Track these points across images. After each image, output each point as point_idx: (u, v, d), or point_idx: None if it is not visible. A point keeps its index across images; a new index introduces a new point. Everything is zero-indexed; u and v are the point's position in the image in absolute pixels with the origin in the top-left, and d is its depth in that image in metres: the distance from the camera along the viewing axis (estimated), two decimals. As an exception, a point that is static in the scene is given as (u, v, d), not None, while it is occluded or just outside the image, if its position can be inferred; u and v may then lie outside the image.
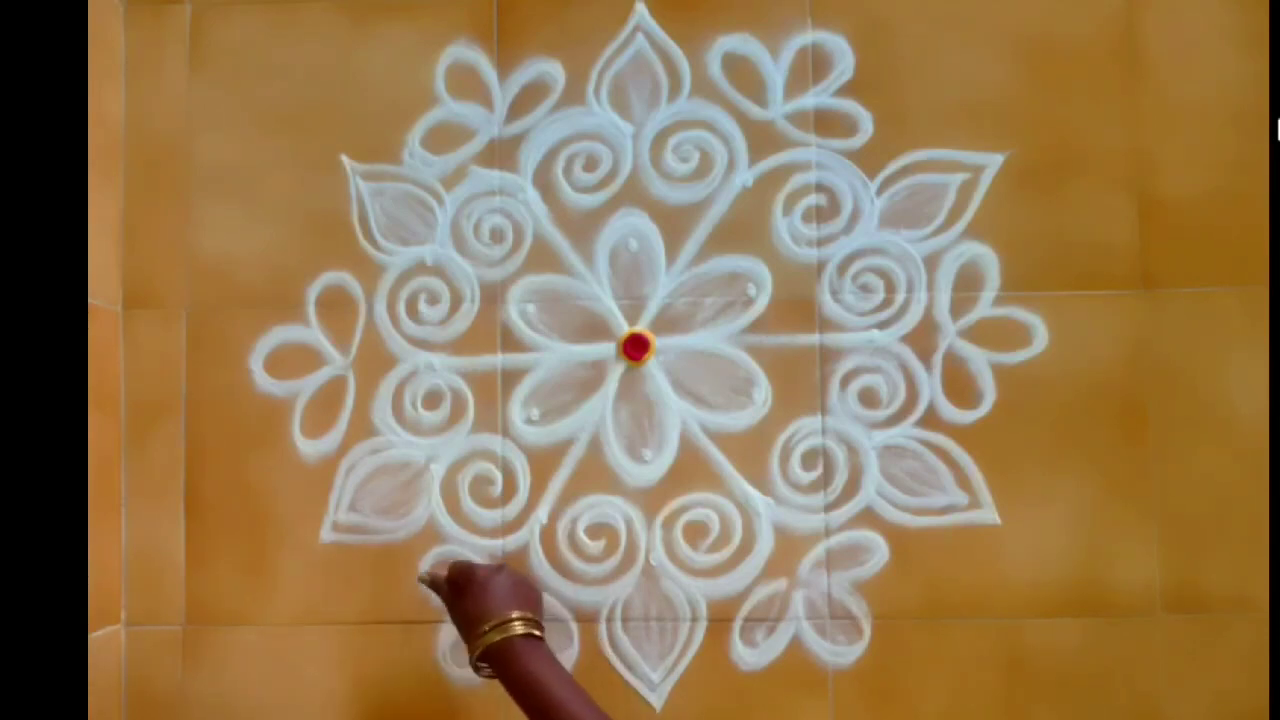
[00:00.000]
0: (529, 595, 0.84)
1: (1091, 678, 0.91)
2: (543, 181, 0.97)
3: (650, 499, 0.95)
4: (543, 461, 0.95)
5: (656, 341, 0.96)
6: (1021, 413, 0.93)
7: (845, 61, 0.96)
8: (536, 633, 0.80)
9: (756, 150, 0.96)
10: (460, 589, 0.83)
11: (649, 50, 0.97)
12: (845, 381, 0.94)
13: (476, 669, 0.81)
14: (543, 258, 0.96)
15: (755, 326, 0.95)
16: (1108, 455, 0.93)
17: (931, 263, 0.95)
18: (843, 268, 0.95)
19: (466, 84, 0.97)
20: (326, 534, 0.95)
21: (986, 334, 0.94)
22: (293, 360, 0.96)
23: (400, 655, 0.94)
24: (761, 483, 0.94)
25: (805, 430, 0.94)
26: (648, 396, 0.95)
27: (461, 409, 0.96)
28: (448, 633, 0.94)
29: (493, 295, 0.96)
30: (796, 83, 0.96)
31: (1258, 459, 0.92)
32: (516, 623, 0.79)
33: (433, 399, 0.96)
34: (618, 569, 0.94)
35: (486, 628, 0.79)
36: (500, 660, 0.78)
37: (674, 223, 0.96)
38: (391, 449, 0.96)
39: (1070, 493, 0.93)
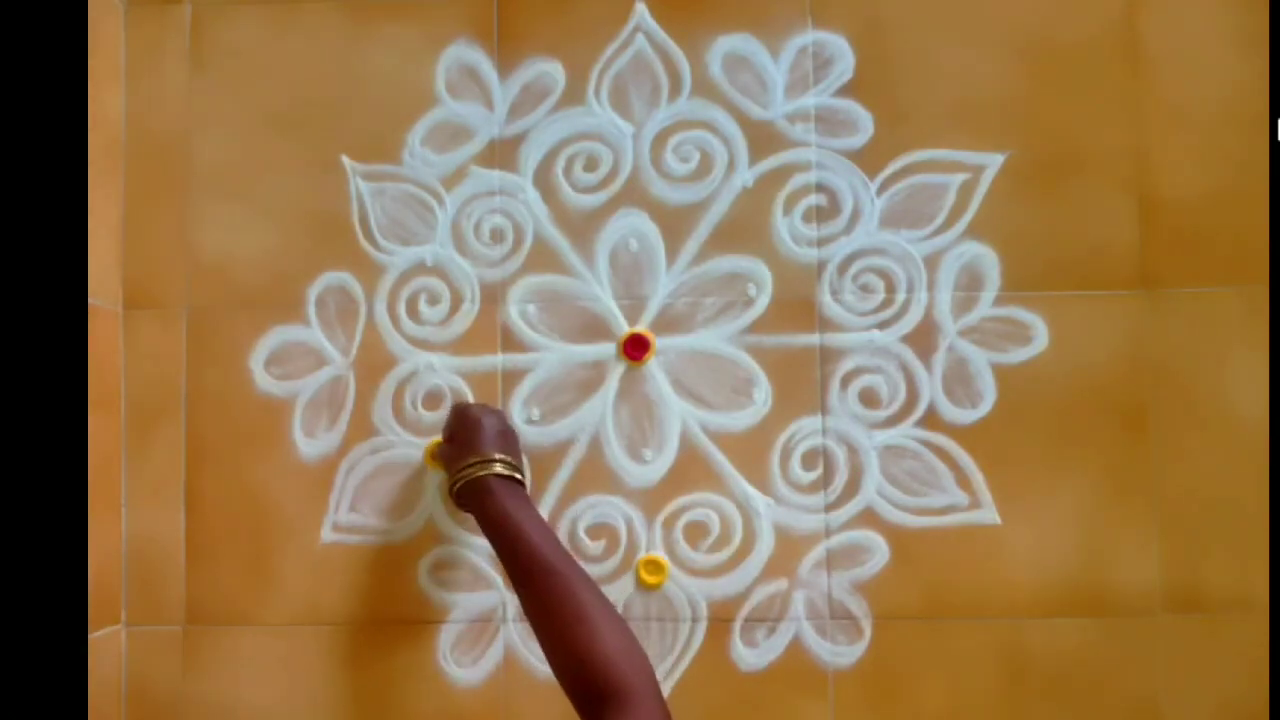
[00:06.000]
0: (512, 442, 0.88)
1: (1091, 678, 0.91)
2: (543, 182, 0.97)
3: (650, 499, 0.95)
4: (543, 461, 0.95)
5: (657, 341, 0.96)
6: (1021, 413, 0.93)
7: (845, 61, 0.96)
8: (518, 476, 0.84)
9: (757, 150, 0.96)
10: (453, 425, 0.88)
11: (649, 50, 0.97)
12: (845, 381, 0.94)
13: (456, 501, 0.85)
14: (543, 258, 0.96)
15: (755, 326, 0.95)
16: (1108, 455, 0.93)
17: (932, 263, 0.95)
18: (843, 268, 0.95)
19: (466, 84, 0.97)
20: (326, 534, 0.95)
21: (986, 334, 0.94)
22: (293, 360, 0.96)
23: (400, 655, 0.94)
24: (762, 483, 0.94)
25: (805, 430, 0.94)
26: (648, 396, 0.95)
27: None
28: (448, 633, 0.94)
29: (493, 295, 0.96)
30: (796, 83, 0.96)
31: (1258, 459, 0.92)
32: (498, 464, 0.83)
33: (433, 399, 0.96)
34: (618, 569, 0.94)
35: (470, 461, 0.83)
36: (477, 496, 0.82)
37: (674, 223, 0.96)
38: (392, 449, 0.96)
39: (1070, 493, 0.93)
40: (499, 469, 0.82)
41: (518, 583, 0.79)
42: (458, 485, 0.83)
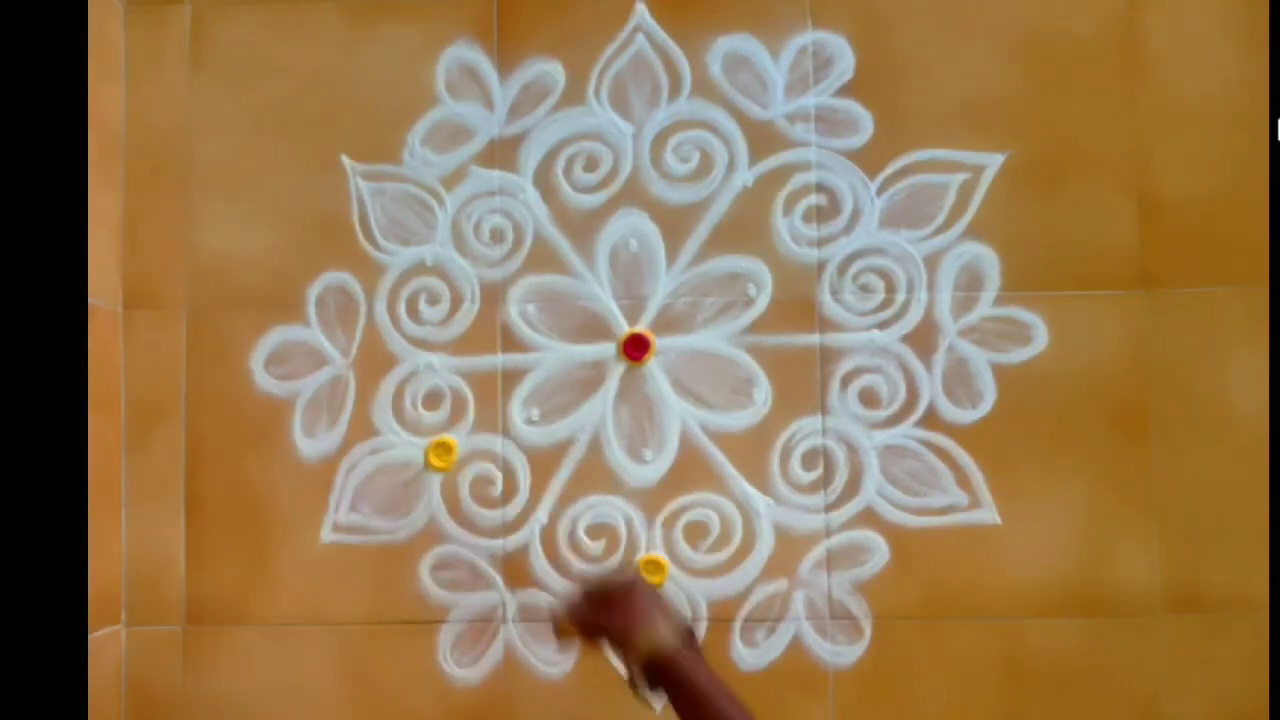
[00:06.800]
0: (665, 603, 0.80)
1: (1091, 678, 0.91)
2: (543, 182, 0.97)
3: (650, 499, 0.95)
4: (543, 461, 0.95)
5: (657, 341, 0.96)
6: (1021, 413, 0.93)
7: (845, 61, 0.96)
8: (690, 633, 0.78)
9: (756, 150, 0.96)
10: (602, 602, 0.79)
11: (649, 50, 0.97)
12: (845, 381, 0.94)
13: (635, 682, 0.76)
14: (543, 258, 0.96)
15: (755, 326, 0.95)
16: (1108, 455, 0.93)
17: (932, 263, 0.95)
18: (843, 268, 0.95)
19: (466, 84, 0.97)
20: (326, 534, 0.95)
21: (986, 334, 0.94)
22: (293, 360, 0.96)
23: (400, 655, 0.94)
24: (762, 483, 0.94)
25: (805, 430, 0.94)
26: (648, 396, 0.95)
27: (461, 409, 0.96)
28: (448, 633, 0.94)
29: (493, 295, 0.96)
30: (796, 83, 0.96)
31: (1258, 459, 0.92)
32: (671, 636, 0.76)
33: (433, 399, 0.96)
34: (618, 569, 0.94)
35: (647, 641, 0.75)
36: (665, 673, 0.75)
37: (674, 223, 0.96)
38: (391, 449, 0.96)
39: (1070, 493, 0.93)
40: (670, 639, 0.75)
41: None
42: (641, 672, 0.75)
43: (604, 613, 0.79)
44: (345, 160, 0.97)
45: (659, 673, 0.76)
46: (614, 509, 0.95)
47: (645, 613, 0.77)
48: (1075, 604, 0.92)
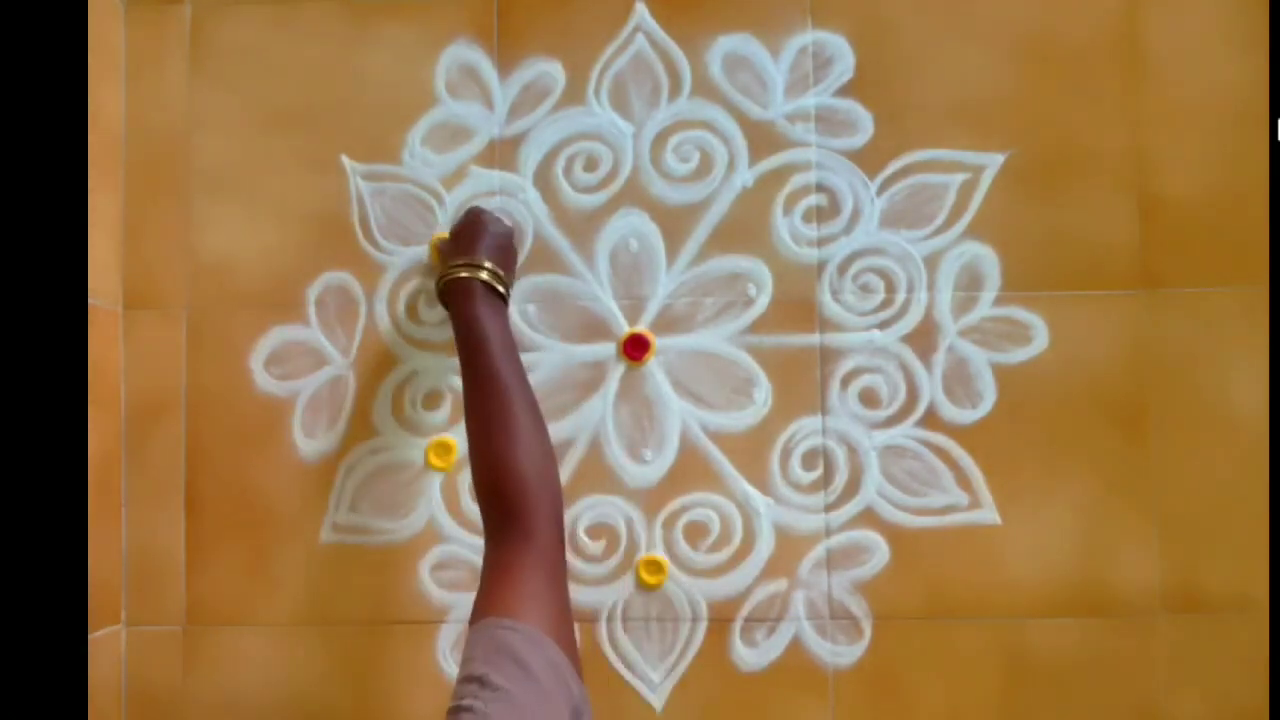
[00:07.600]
0: (509, 257, 0.91)
1: (1091, 678, 0.91)
2: (543, 182, 0.97)
3: (650, 499, 0.95)
4: (543, 461, 0.95)
5: (657, 341, 0.96)
6: (1021, 413, 0.93)
7: (845, 61, 0.96)
8: (501, 289, 0.86)
9: (756, 150, 0.96)
10: (460, 223, 0.91)
11: (649, 50, 0.97)
12: (845, 381, 0.94)
13: (440, 299, 0.89)
14: (543, 258, 0.96)
15: (755, 326, 0.95)
16: (1108, 455, 0.93)
17: (932, 263, 0.95)
18: (843, 268, 0.95)
19: (466, 84, 0.98)
20: (326, 534, 0.95)
21: (986, 334, 0.94)
22: (293, 360, 0.96)
23: (400, 655, 0.94)
24: (762, 483, 0.94)
25: (805, 430, 0.94)
26: (648, 396, 0.95)
27: (461, 409, 0.96)
28: (448, 633, 0.94)
29: (493, 295, 0.96)
30: (796, 83, 0.96)
31: (1258, 459, 0.92)
32: (485, 271, 0.85)
33: (433, 399, 0.96)
34: (618, 569, 0.94)
35: (460, 262, 0.85)
36: (457, 297, 0.85)
37: (674, 223, 0.96)
38: (391, 449, 0.96)
39: (1070, 493, 0.93)
40: (485, 276, 0.85)
41: (467, 388, 0.80)
42: (443, 282, 0.86)
43: (452, 234, 0.91)
44: (345, 160, 0.97)
45: (450, 295, 0.86)
46: (614, 509, 0.95)
47: (473, 242, 0.87)
48: (1075, 604, 0.92)
